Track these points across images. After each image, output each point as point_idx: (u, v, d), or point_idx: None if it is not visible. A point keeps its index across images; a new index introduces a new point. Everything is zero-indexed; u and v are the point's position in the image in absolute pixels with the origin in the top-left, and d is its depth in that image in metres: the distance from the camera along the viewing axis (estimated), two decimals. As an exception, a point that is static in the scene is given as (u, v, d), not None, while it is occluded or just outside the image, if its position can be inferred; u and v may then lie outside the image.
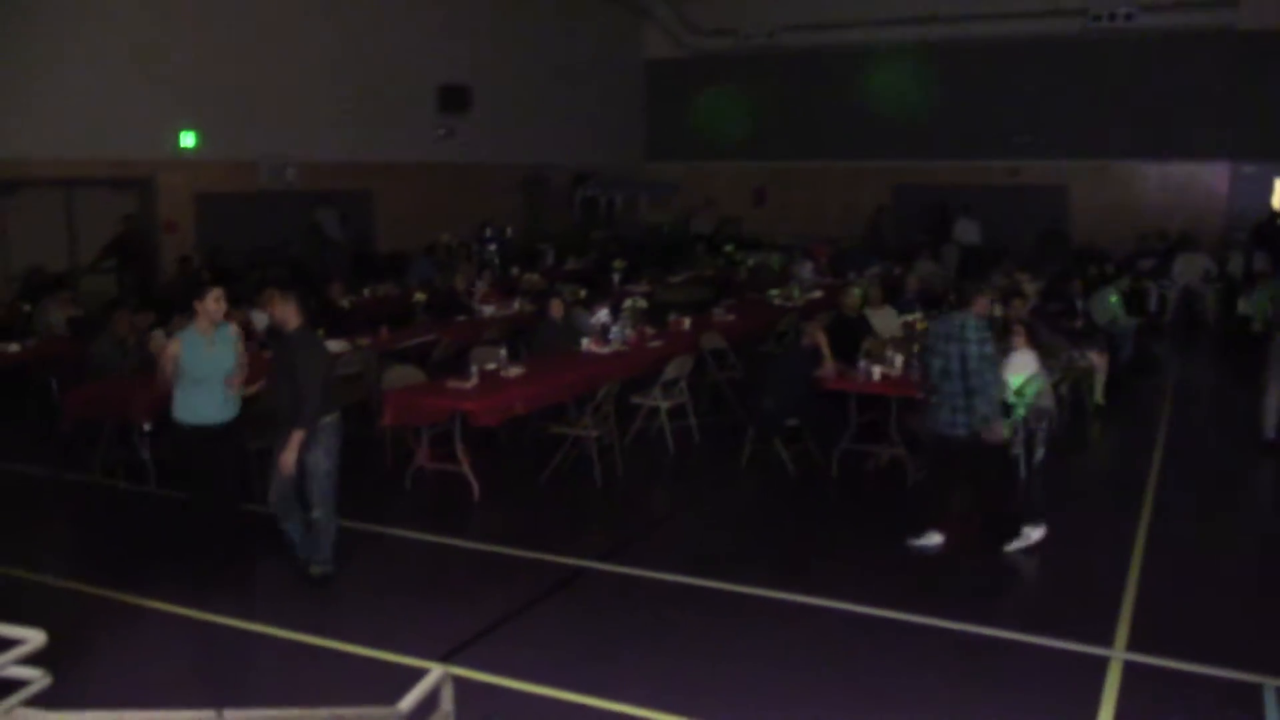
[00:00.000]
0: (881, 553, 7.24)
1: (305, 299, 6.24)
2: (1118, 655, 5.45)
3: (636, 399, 9.24)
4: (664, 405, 9.17)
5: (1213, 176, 19.70)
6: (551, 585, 6.36)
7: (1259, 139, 18.73)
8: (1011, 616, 6.14)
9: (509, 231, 18.81)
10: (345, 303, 11.99)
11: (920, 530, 7.00)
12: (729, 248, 19.25)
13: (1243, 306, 12.23)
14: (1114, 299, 12.06)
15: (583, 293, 12.05)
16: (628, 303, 11.29)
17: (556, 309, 10.17)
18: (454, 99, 17.98)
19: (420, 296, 12.25)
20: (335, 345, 9.40)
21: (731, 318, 11.75)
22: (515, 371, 8.59)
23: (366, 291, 13.21)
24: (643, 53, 23.76)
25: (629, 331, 10.12)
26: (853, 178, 21.67)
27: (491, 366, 8.67)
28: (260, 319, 9.77)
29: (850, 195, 21.49)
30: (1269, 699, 4.97)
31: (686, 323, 11.09)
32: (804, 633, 5.78)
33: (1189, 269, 15.42)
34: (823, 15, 21.09)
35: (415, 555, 7.01)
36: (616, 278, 14.69)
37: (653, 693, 5.03)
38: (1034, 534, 6.94)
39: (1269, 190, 19.49)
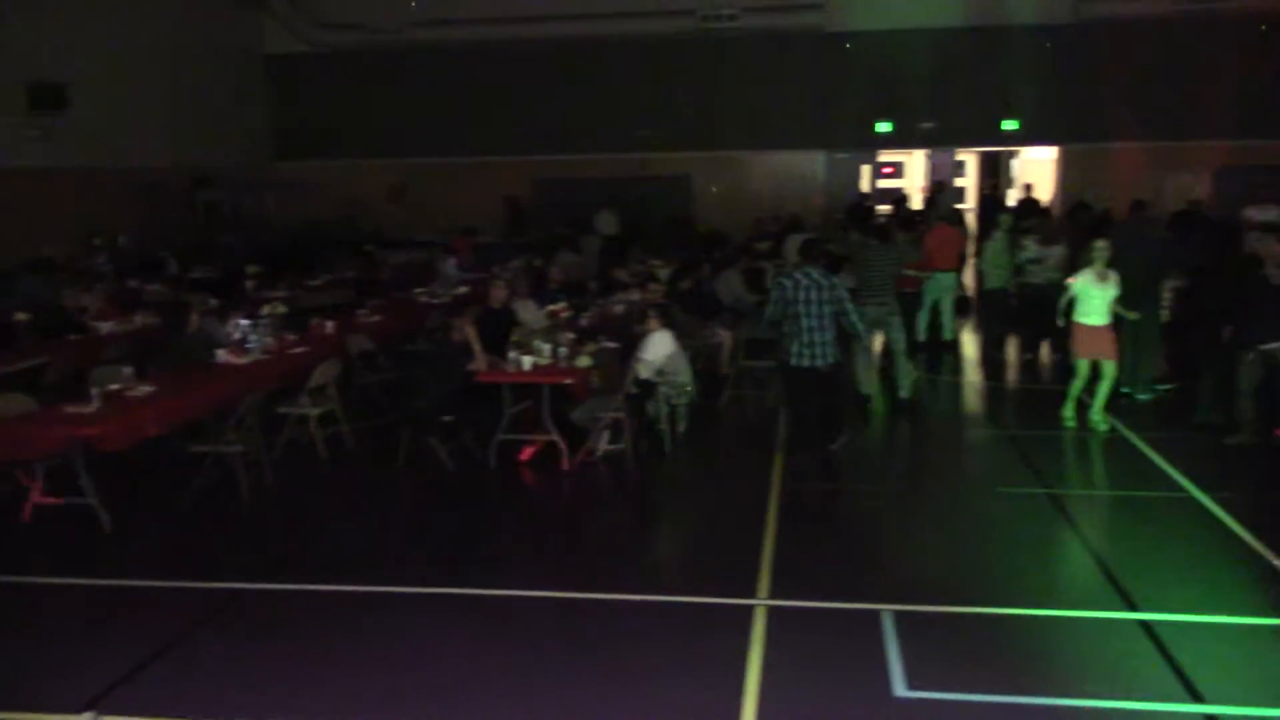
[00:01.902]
0: (542, 536, 7.46)
1: None
2: (762, 602, 5.96)
3: (283, 408, 8.87)
4: (312, 412, 8.86)
5: (811, 164, 21.80)
6: (205, 612, 5.98)
7: (847, 130, 20.95)
8: (667, 580, 6.55)
9: (122, 241, 17.30)
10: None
11: (831, 437, 8.74)
12: (368, 247, 18.83)
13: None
14: (737, 279, 13.04)
15: (213, 302, 11.33)
16: (266, 309, 10.77)
17: (195, 321, 9.54)
18: (47, 97, 16.24)
19: (22, 316, 10.99)
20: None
21: (377, 318, 11.54)
22: (144, 390, 7.96)
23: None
24: (262, 47, 22.62)
25: (269, 339, 9.67)
26: (492, 172, 21.88)
27: (115, 387, 7.98)
28: None
29: (492, 190, 21.70)
30: (886, 621, 5.66)
31: (330, 326, 10.76)
32: (475, 623, 5.84)
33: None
34: (449, 10, 21.08)
35: (42, 601, 6.33)
36: (251, 284, 13.94)
37: (329, 708, 4.90)
38: (844, 439, 8.86)
39: (859, 175, 21.87)
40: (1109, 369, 9.22)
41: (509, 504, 8.25)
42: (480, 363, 8.73)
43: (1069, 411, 9.43)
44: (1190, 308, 10.28)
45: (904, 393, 10.41)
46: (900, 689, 4.99)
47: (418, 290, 13.54)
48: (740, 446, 9.73)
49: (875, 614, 5.76)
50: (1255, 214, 14.31)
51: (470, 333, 8.80)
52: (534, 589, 6.25)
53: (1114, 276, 9.15)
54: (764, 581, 6.27)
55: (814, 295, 8.26)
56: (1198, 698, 4.89)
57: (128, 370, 8.41)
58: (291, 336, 10.16)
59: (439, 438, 8.63)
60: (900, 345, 10.50)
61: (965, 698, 4.94)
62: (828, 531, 7.41)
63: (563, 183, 21.73)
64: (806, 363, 8.33)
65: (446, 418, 8.62)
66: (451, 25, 21.27)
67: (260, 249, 18.26)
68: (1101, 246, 9.21)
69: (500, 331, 9.45)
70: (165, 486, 8.08)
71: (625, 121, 21.39)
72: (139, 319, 11.45)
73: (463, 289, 13.76)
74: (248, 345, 9.39)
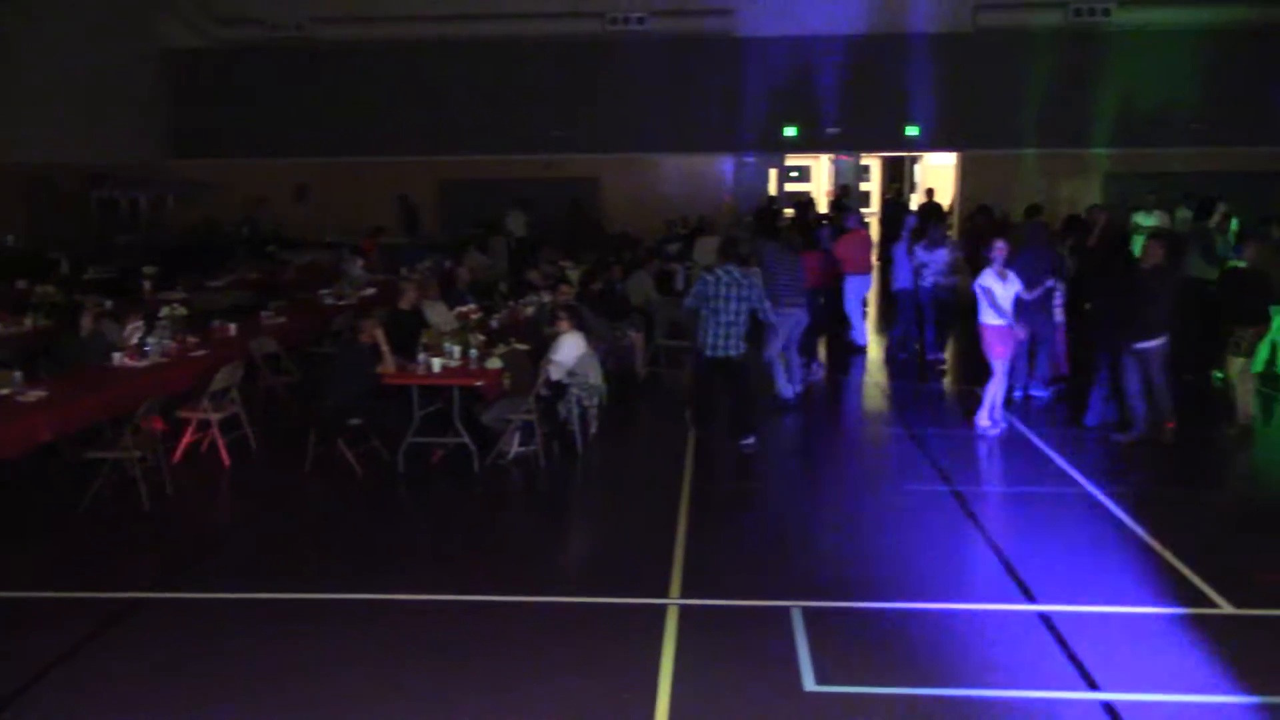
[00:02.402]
0: (453, 539, 7.40)
1: None
2: (674, 602, 6.00)
3: (184, 413, 8.63)
4: (215, 417, 8.64)
5: (720, 167, 22.02)
6: (104, 622, 5.78)
7: (755, 133, 21.19)
8: (579, 581, 6.55)
9: (10, 240, 16.64)
10: None
11: (744, 433, 9.13)
12: (271, 247, 18.42)
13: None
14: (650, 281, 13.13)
15: (109, 303, 10.97)
16: (165, 311, 10.47)
17: (89, 323, 9.22)
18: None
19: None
20: None
21: (282, 320, 11.29)
22: (35, 395, 7.66)
23: None
24: (161, 41, 21.92)
25: (168, 342, 9.40)
26: (397, 173, 21.58)
27: (5, 391, 7.66)
28: None
29: (397, 191, 21.39)
30: (795, 618, 5.75)
31: (232, 329, 10.49)
32: (386, 628, 5.76)
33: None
34: (354, 8, 20.76)
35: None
36: (148, 285, 13.53)
37: (239, 713, 4.78)
38: (753, 439, 9.10)
39: (766, 179, 22.16)
40: (999, 368, 9.45)
41: (419, 508, 8.16)
42: (388, 365, 8.61)
43: (987, 419, 9.57)
44: (1074, 310, 10.68)
45: (797, 387, 10.70)
46: (810, 684, 5.07)
47: (323, 292, 13.30)
48: (651, 447, 9.77)
49: (785, 611, 5.84)
50: (1142, 219, 14.88)
51: (378, 334, 8.68)
52: (445, 593, 6.20)
53: (1013, 275, 9.42)
54: (676, 581, 6.31)
55: (732, 292, 8.97)
56: (1093, 686, 5.07)
57: (18, 374, 8.08)
58: (192, 339, 9.89)
59: (346, 441, 8.50)
60: (794, 345, 10.72)
61: (872, 690, 5.05)
62: (738, 530, 7.48)
63: (470, 184, 21.55)
64: (720, 353, 9.05)
65: (354, 421, 8.49)
66: (356, 23, 20.95)
67: (158, 249, 17.74)
68: (1000, 246, 9.49)
69: (409, 333, 9.34)
70: (58, 495, 7.80)
71: (534, 123, 21.29)
72: (29, 321, 11.02)
73: (370, 290, 13.57)
74: (146, 348, 9.12)
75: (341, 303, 12.67)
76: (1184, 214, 15.88)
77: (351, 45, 21.24)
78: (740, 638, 5.60)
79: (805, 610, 5.83)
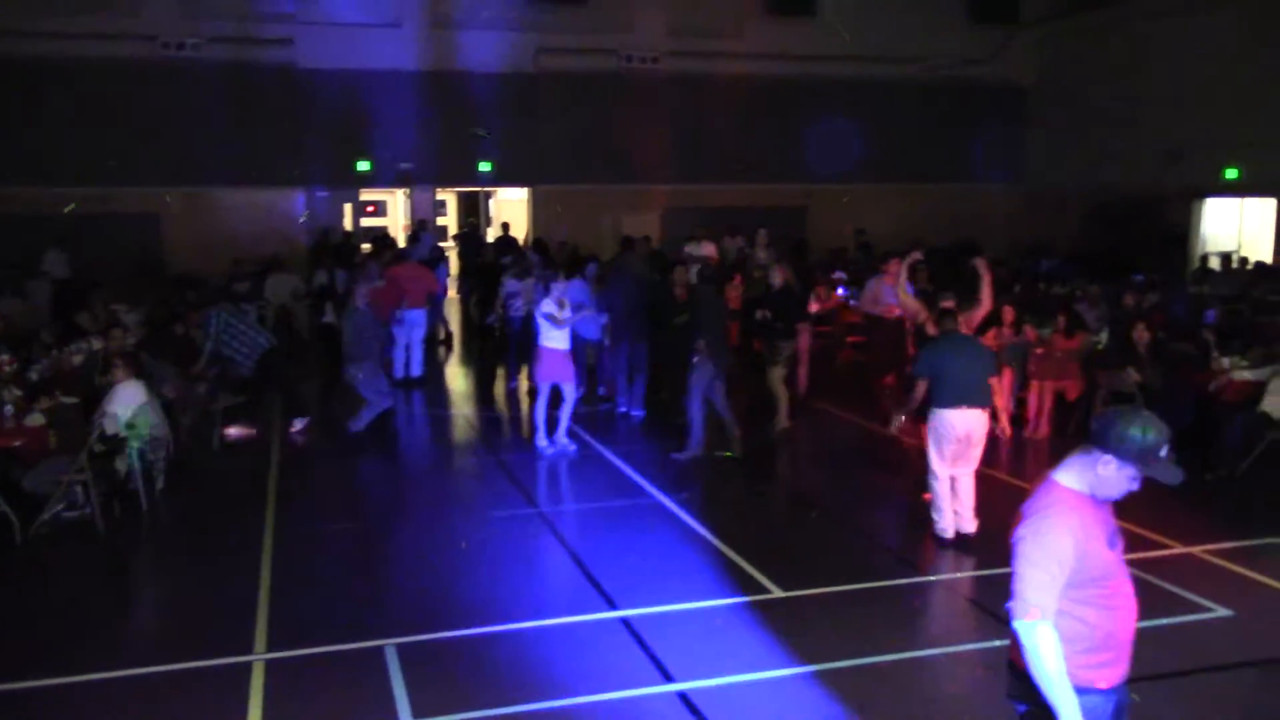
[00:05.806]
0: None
1: None
2: (259, 658, 5.72)
3: None
4: None
5: (291, 202, 21.25)
6: None
7: (326, 168, 20.67)
8: (148, 651, 6.00)
9: None
10: None
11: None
12: None
13: (330, 316, 13.51)
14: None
15: None
16: None
17: None
18: None
19: None
20: None
21: None
22: None
23: None
24: None
25: None
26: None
27: None
28: None
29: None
30: (389, 655, 5.71)
31: None
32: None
33: (281, 288, 16.39)
34: None
35: None
36: None
37: None
38: (299, 424, 10.90)
39: (342, 213, 21.71)
40: (569, 391, 9.97)
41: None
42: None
43: (543, 440, 10.01)
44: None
45: (358, 425, 10.57)
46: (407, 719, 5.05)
47: None
48: (229, 496, 9.20)
49: (379, 650, 5.76)
50: (692, 250, 16.32)
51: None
52: (-15, 684, 5.45)
53: (568, 303, 9.94)
54: (260, 636, 6.01)
55: (238, 322, 10.96)
56: (669, 679, 5.48)
57: None
58: None
59: None
60: (357, 381, 10.61)
61: (469, 715, 5.12)
62: (327, 573, 7.25)
63: None
64: (253, 361, 10.98)
65: None
66: None
67: None
68: (561, 287, 10.09)
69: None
70: None
71: (80, 152, 19.24)
72: None
73: None
74: None
75: None
76: (731, 244, 17.73)
77: None
78: (333, 685, 5.46)
79: (399, 647, 5.79)
